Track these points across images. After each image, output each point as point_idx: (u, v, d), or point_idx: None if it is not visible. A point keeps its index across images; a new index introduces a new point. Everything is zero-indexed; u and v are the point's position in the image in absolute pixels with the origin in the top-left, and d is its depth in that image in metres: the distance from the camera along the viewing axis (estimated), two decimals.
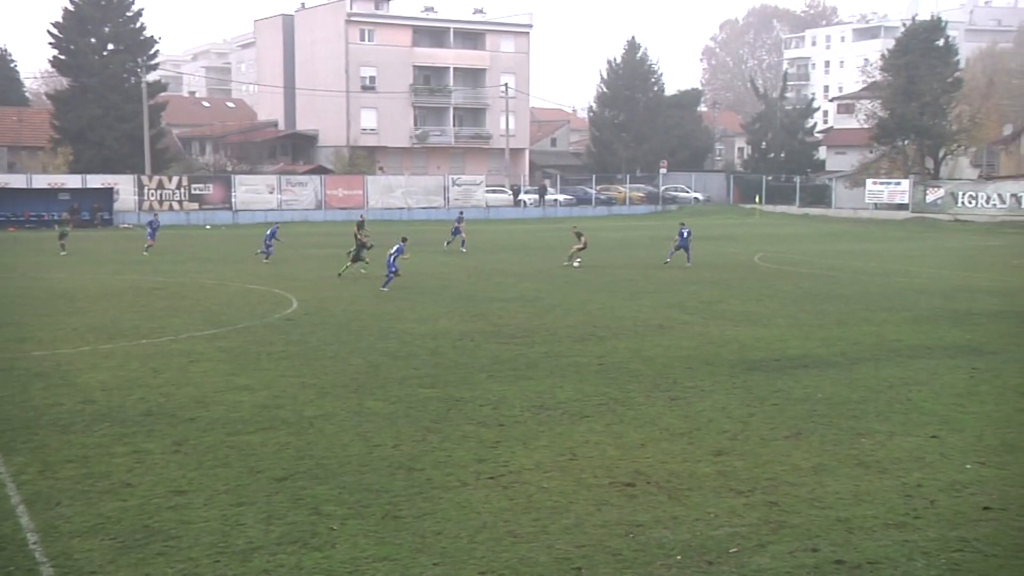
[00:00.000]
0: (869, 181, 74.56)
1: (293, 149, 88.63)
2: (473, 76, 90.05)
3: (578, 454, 12.55)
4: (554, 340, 20.79)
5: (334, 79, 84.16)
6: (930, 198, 71.08)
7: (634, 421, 14.19)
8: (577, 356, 19.02)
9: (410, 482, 11.43)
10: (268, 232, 39.20)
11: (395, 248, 29.85)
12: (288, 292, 28.64)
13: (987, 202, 68.24)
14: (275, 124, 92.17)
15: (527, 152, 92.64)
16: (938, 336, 21.47)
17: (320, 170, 78.00)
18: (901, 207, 72.26)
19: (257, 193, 69.03)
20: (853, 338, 21.20)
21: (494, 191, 79.30)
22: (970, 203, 69.02)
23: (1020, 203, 66.52)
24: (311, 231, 57.57)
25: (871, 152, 77.56)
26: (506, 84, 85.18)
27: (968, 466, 12.12)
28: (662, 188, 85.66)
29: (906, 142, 74.99)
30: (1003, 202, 67.43)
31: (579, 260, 36.61)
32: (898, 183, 73.16)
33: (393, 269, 29.39)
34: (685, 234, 37.43)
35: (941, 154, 75.35)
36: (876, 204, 74.17)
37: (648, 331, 22.06)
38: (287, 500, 10.82)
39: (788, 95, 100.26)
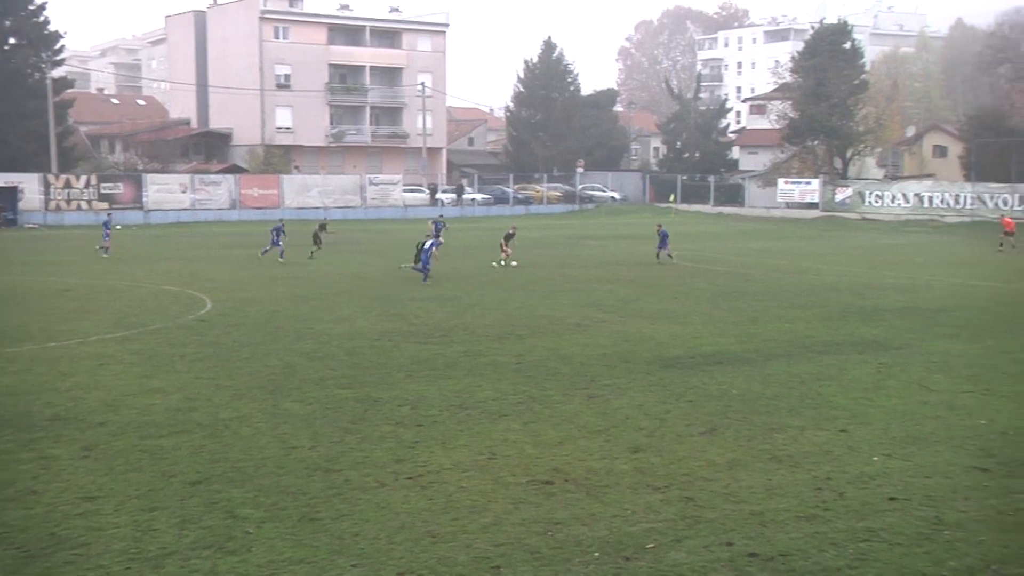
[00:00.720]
0: (781, 180, 76.17)
1: (206, 148, 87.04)
2: (389, 75, 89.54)
3: (497, 453, 12.57)
4: (472, 339, 20.79)
5: (248, 77, 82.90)
6: (839, 197, 72.88)
7: (552, 419, 14.26)
8: (495, 355, 19.04)
9: (328, 483, 11.32)
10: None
11: (431, 242, 31.14)
12: (202, 293, 28.12)
13: (892, 201, 70.22)
14: (187, 122, 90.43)
15: (444, 151, 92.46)
16: (847, 332, 22.02)
17: (234, 169, 76.76)
18: (811, 206, 73.95)
19: (169, 192, 67.64)
20: (766, 335, 21.62)
21: (411, 190, 78.97)
22: (876, 202, 70.97)
23: (923, 202, 68.63)
24: (226, 231, 56.62)
25: (782, 152, 79.24)
26: (423, 83, 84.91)
27: (875, 458, 12.46)
28: (579, 187, 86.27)
29: (816, 142, 76.79)
30: (907, 201, 69.47)
31: (514, 261, 36.31)
32: (808, 182, 74.87)
33: (427, 264, 30.51)
34: (664, 235, 38.18)
35: (849, 154, 77.36)
36: (787, 203, 75.78)
37: (566, 329, 22.18)
38: (201, 504, 10.62)
39: (702, 95, 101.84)
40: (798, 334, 21.75)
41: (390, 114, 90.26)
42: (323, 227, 41.05)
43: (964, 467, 12.07)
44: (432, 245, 31.29)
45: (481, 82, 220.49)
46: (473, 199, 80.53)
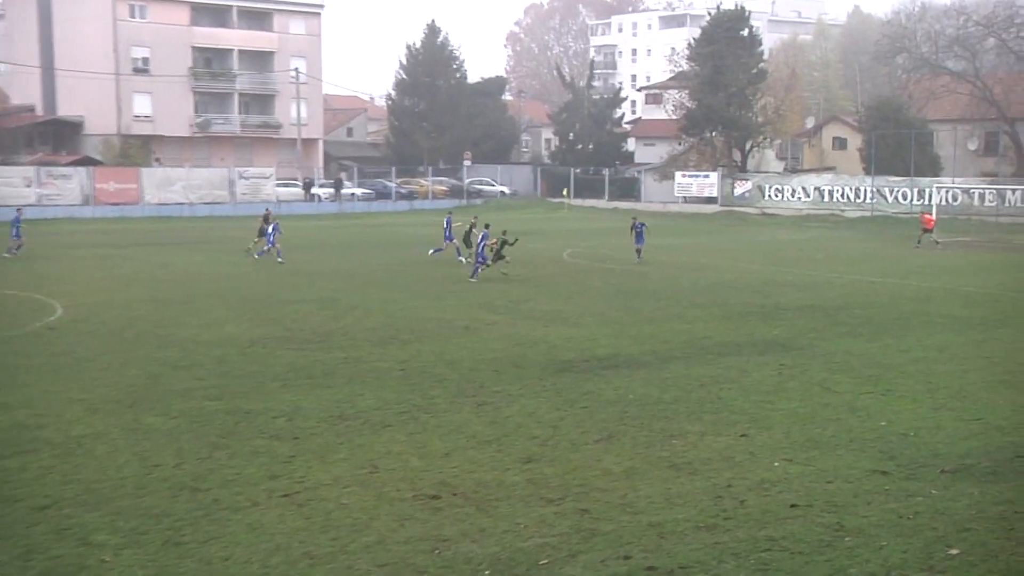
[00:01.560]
0: (678, 174, 77.67)
1: (54, 137, 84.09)
2: (260, 60, 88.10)
3: (379, 466, 12.51)
4: (353, 344, 20.66)
5: (101, 60, 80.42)
6: (738, 191, 74.72)
7: (439, 429, 14.26)
8: (378, 361, 18.96)
9: (194, 504, 11.10)
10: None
11: (480, 235, 32.36)
12: (51, 297, 27.20)
13: (792, 195, 72.34)
14: (31, 109, 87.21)
15: (321, 143, 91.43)
16: (747, 332, 22.59)
17: (87, 161, 74.38)
18: (710, 200, 75.62)
19: (11, 186, 65.06)
20: (664, 336, 22.02)
21: (285, 185, 77.89)
22: (776, 196, 73.01)
23: (823, 197, 70.87)
24: (78, 229, 54.85)
25: (679, 144, 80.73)
26: (296, 69, 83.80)
27: (776, 464, 12.82)
28: (466, 181, 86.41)
29: (714, 134, 78.48)
30: (807, 195, 71.66)
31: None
32: (706, 176, 76.54)
33: (482, 259, 31.79)
34: (640, 228, 38.00)
35: (748, 146, 79.31)
36: (685, 197, 77.32)
37: (453, 333, 22.22)
38: (50, 531, 10.28)
39: (595, 84, 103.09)
40: (697, 335, 22.21)
41: (261, 102, 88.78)
42: (266, 219, 40.77)
43: (865, 471, 12.51)
44: (483, 240, 32.66)
45: (360, 68, 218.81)
46: (353, 194, 79.87)
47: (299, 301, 27.01)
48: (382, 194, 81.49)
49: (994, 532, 10.43)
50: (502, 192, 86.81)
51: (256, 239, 40.27)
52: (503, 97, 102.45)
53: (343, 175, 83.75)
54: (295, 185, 79.18)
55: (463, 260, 36.50)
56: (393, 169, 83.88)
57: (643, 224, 38.81)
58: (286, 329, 22.54)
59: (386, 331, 22.36)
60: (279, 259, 36.96)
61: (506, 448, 13.37)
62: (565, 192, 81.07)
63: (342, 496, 11.44)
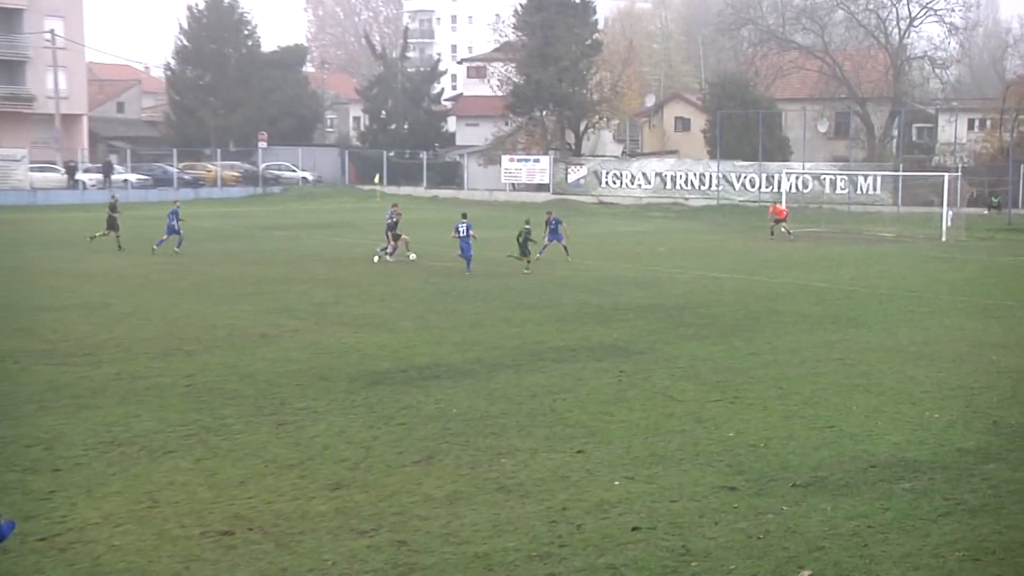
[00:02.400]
0: (505, 158, 78.52)
1: None
2: (6, 19, 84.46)
3: (160, 500, 12.21)
4: (128, 358, 20.16)
5: None
6: (572, 177, 76.09)
7: (232, 454, 14.02)
8: (158, 376, 18.55)
9: None
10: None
11: (465, 226, 34.47)
12: None
13: (632, 182, 74.18)
14: None
15: (85, 119, 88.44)
16: (583, 336, 23.03)
17: None
18: (541, 188, 76.75)
19: None
20: (491, 341, 22.23)
21: (42, 169, 75.12)
22: (614, 183, 74.71)
23: (666, 183, 72.92)
24: None
25: (506, 124, 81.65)
26: (52, 31, 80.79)
27: (616, 483, 13.11)
28: (262, 166, 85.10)
29: (544, 112, 79.67)
30: (648, 182, 73.61)
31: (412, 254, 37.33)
32: (537, 160, 77.63)
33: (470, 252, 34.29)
34: (555, 224, 37.81)
35: (583, 127, 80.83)
36: (514, 184, 78.23)
37: (248, 342, 21.91)
38: None
39: (410, 55, 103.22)
40: (528, 340, 22.50)
41: (9, 69, 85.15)
42: (114, 208, 41.81)
43: (712, 487, 12.93)
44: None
45: (132, 32, 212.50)
46: (126, 181, 77.54)
47: (61, 308, 26.16)
48: (161, 181, 79.45)
49: (848, 550, 10.95)
50: (304, 179, 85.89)
51: (104, 231, 40.84)
52: (303, 69, 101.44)
53: (113, 158, 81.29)
54: (55, 170, 76.41)
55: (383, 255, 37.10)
56: (174, 152, 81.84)
57: (558, 220, 38.89)
58: (45, 341, 21.79)
59: (167, 341, 21.87)
60: (177, 248, 39.23)
61: (311, 473, 13.24)
62: (377, 179, 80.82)
63: (114, 537, 11.11)
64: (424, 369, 19.40)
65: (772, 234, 49.18)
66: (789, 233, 49.04)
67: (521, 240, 35.32)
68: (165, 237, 39.73)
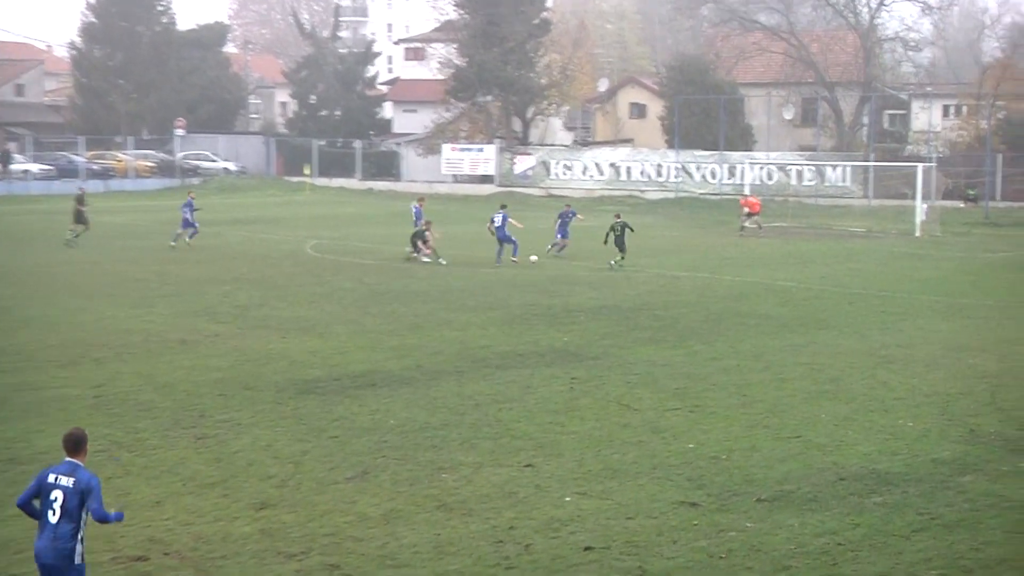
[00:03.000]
0: (446, 147, 78.31)
1: None
2: None
3: None
4: (31, 367, 19.97)
5: None
6: (519, 168, 76.07)
7: (146, 471, 13.93)
8: (64, 387, 18.41)
9: None
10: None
11: (501, 217, 36.65)
12: None
13: (584, 173, 74.27)
14: None
15: None
16: (532, 340, 23.06)
17: None
18: (486, 179, 76.64)
19: None
20: (432, 346, 22.21)
21: None
22: (565, 174, 74.77)
23: (620, 174, 73.13)
24: None
25: (447, 110, 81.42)
26: None
27: (567, 499, 13.15)
28: (179, 155, 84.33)
29: (489, 98, 79.55)
30: (601, 173, 73.76)
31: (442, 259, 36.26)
32: (481, 149, 77.54)
33: (513, 239, 36.38)
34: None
35: (530, 114, 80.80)
36: (456, 176, 78.09)
37: (165, 348, 21.75)
38: None
39: (342, 35, 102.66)
40: (471, 344, 22.51)
41: None
42: (81, 200, 42.54)
43: (671, 503, 13.01)
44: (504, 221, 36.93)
45: (32, 7, 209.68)
46: (26, 171, 76.51)
47: None
48: (66, 171, 78.31)
49: (816, 569, 11.07)
50: (226, 169, 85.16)
51: (72, 225, 41.27)
52: (224, 50, 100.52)
53: (12, 146, 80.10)
54: None
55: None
56: (81, 139, 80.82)
57: (573, 212, 39.58)
58: None
59: (75, 348, 21.65)
60: (188, 240, 40.03)
61: (234, 492, 13.16)
62: (307, 170, 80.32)
63: (12, 565, 11.04)
64: (358, 377, 19.34)
65: (742, 229, 49.51)
66: (760, 228, 49.40)
67: (618, 234, 36.47)
68: (180, 231, 40.46)
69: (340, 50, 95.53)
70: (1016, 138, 65.29)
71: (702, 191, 69.23)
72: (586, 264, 36.81)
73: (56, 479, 9.17)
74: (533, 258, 36.48)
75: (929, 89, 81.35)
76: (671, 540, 11.83)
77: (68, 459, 9.35)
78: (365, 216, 57.81)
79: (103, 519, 9.18)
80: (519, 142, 79.58)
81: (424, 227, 37.33)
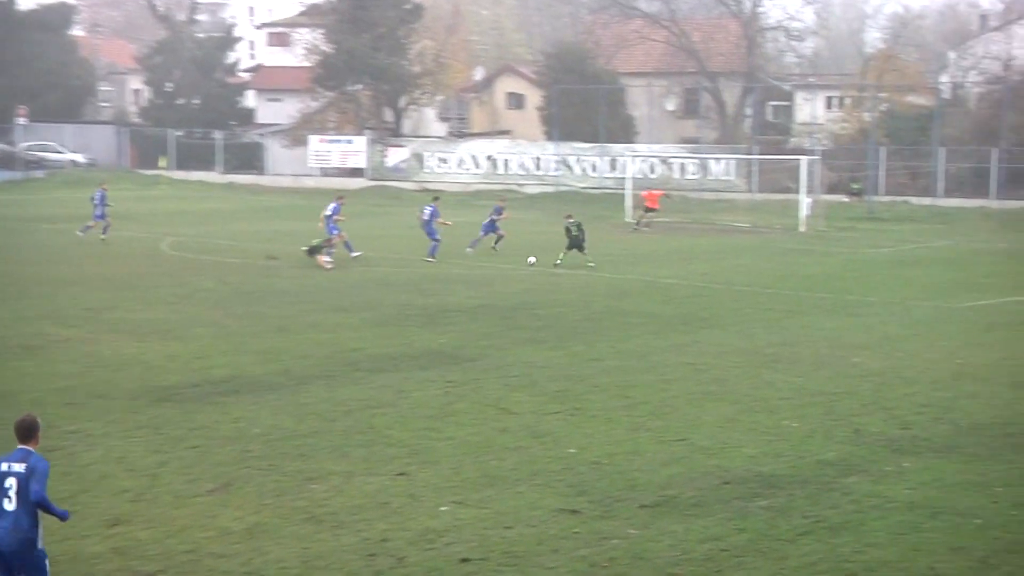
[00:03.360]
0: (314, 138, 77.79)
1: None
2: None
3: None
4: None
5: None
6: (391, 161, 75.87)
7: None
8: None
9: None
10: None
11: (430, 210, 37.49)
12: None
13: (459, 166, 74.39)
14: None
15: None
16: (406, 341, 23.04)
17: None
18: (356, 172, 76.28)
19: None
20: (299, 350, 22.07)
21: None
22: (440, 167, 74.81)
23: (497, 167, 73.35)
24: None
25: (314, 100, 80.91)
26: None
27: (443, 508, 13.16)
28: (22, 146, 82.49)
29: (359, 86, 79.23)
30: (478, 166, 73.93)
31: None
32: (350, 141, 77.18)
33: (437, 236, 36.95)
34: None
35: (403, 104, 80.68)
36: (324, 169, 77.62)
37: (7, 354, 21.38)
38: None
39: (200, 18, 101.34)
40: (342, 347, 22.41)
41: None
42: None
43: (551, 510, 13.10)
44: (432, 216, 37.67)
45: None
46: None
47: None
48: None
49: None
50: (74, 162, 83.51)
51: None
52: (71, 32, 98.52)
53: None
54: None
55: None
56: None
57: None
58: None
59: None
60: (103, 235, 40.56)
61: (84, 508, 12.93)
62: (163, 162, 79.14)
63: None
64: (221, 383, 19.15)
65: (637, 224, 50.03)
66: (647, 226, 49.88)
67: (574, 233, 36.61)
68: (91, 224, 40.25)
69: (198, 34, 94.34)
70: (897, 130, 66.88)
71: (582, 185, 69.74)
72: (464, 263, 36.87)
73: (9, 467, 9.41)
74: (532, 259, 36.54)
75: (812, 80, 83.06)
76: (551, 549, 11.91)
77: (20, 446, 9.56)
78: (227, 212, 57.18)
79: (42, 503, 9.41)
80: (391, 133, 79.40)
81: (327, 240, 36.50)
